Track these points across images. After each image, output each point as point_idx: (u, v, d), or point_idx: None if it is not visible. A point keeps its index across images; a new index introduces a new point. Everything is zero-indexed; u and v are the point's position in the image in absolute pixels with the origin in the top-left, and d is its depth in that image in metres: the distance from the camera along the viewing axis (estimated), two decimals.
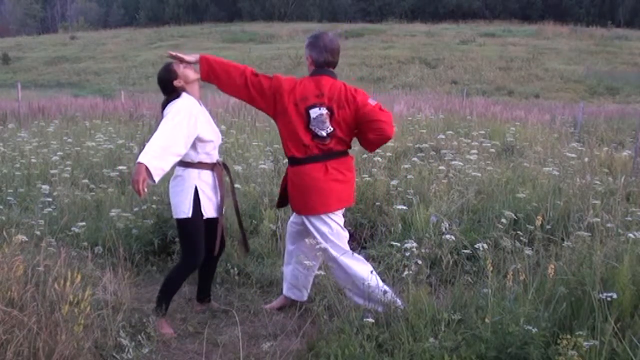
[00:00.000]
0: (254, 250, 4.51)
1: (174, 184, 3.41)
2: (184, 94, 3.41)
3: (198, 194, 3.36)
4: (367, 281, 3.29)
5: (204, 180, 3.41)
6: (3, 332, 2.57)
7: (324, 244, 3.39)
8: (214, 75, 3.40)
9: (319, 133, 3.36)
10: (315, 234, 3.43)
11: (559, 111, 15.20)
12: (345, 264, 3.41)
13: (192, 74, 3.44)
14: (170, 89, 3.42)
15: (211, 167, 3.45)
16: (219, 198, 3.48)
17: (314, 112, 3.35)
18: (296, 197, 3.46)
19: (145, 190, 3.06)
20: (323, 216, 3.43)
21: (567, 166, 6.31)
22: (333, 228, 3.45)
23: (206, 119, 3.46)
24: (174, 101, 3.36)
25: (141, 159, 3.05)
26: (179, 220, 3.40)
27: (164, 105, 3.40)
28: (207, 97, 12.92)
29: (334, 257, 3.40)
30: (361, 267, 3.41)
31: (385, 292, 3.26)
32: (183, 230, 3.42)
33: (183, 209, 3.34)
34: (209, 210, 3.43)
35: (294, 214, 3.67)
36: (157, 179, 3.10)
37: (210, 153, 3.44)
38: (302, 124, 3.35)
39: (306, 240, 3.45)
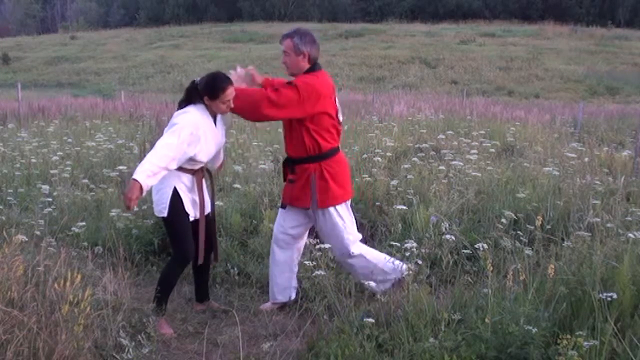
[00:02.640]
0: (254, 250, 4.51)
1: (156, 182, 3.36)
2: (194, 109, 3.35)
3: (179, 194, 3.36)
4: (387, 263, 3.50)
5: (183, 182, 3.40)
6: (3, 332, 2.57)
7: (346, 235, 3.52)
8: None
9: (340, 118, 3.59)
10: (341, 224, 3.52)
11: (559, 111, 15.19)
12: (366, 250, 3.61)
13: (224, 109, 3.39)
14: (193, 98, 3.36)
15: (192, 172, 3.43)
16: (200, 199, 3.46)
17: (337, 100, 3.56)
18: (333, 188, 3.48)
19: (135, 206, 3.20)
20: (347, 202, 3.58)
21: (567, 166, 6.31)
22: (350, 215, 3.61)
23: (211, 135, 3.39)
24: (184, 112, 3.32)
25: (137, 176, 3.07)
26: (162, 218, 3.44)
27: (179, 107, 3.38)
28: None
29: (358, 249, 3.57)
30: (376, 252, 3.63)
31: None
32: (167, 226, 3.48)
33: (161, 209, 3.38)
34: (191, 211, 3.43)
35: (285, 219, 3.64)
36: (145, 193, 3.18)
37: (196, 165, 3.43)
38: (335, 112, 3.52)
39: (306, 240, 3.47)
